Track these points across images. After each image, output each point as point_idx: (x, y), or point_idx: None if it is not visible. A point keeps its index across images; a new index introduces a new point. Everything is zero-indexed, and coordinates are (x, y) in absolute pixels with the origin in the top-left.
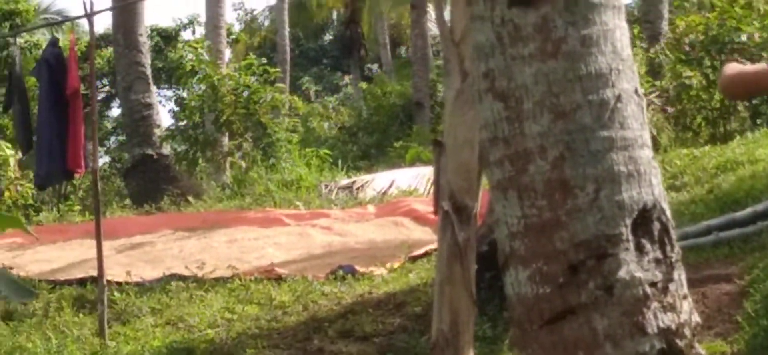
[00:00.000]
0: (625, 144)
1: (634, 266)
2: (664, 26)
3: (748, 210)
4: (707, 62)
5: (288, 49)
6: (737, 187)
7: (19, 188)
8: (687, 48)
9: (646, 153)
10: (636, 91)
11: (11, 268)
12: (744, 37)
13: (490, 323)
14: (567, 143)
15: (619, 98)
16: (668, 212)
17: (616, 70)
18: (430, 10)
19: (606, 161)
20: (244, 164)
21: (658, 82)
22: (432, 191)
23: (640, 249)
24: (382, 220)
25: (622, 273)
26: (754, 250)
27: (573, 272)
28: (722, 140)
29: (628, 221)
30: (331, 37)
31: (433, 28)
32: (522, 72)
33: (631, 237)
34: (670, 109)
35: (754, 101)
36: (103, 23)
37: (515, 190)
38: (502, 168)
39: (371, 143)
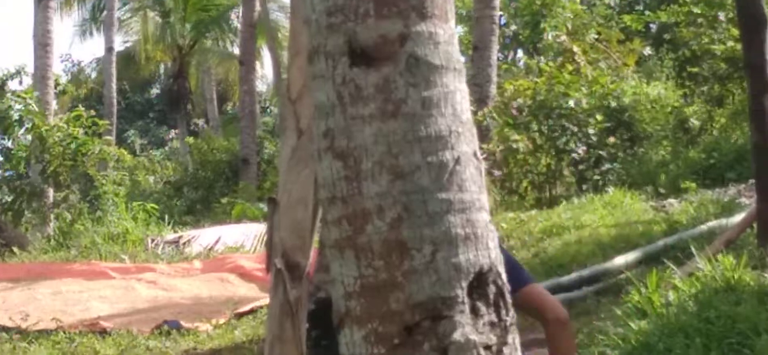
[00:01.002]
0: (462, 207)
1: (469, 329)
2: (493, 89)
3: (574, 275)
4: (535, 127)
5: (115, 101)
6: (563, 251)
7: None
8: (514, 112)
9: (484, 216)
10: (475, 155)
11: None
12: (572, 103)
13: None
14: (405, 204)
15: (458, 161)
16: (504, 276)
17: (456, 133)
18: (259, 67)
19: (443, 223)
20: (69, 216)
21: (485, 146)
22: (259, 247)
23: (475, 312)
24: (208, 275)
25: (457, 335)
26: (579, 315)
27: (408, 333)
28: (548, 205)
29: (464, 284)
30: (157, 91)
31: (260, 84)
32: (362, 132)
33: (466, 299)
34: (496, 173)
35: (580, 167)
36: None
37: (352, 249)
38: (340, 227)
39: (197, 198)
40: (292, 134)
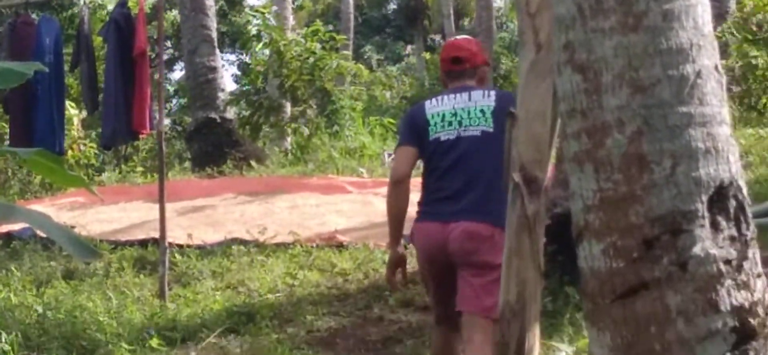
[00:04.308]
0: (703, 120)
1: (708, 243)
2: (732, 5)
3: None
4: None
5: (352, 16)
6: None
7: (82, 147)
8: (754, 27)
9: (725, 130)
10: (716, 68)
11: (73, 227)
12: None
13: (551, 296)
14: (645, 118)
15: (699, 74)
16: (744, 190)
17: (697, 46)
18: None
19: (684, 137)
20: (307, 131)
21: (723, 61)
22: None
23: (715, 226)
24: None
25: (697, 249)
26: None
27: (647, 246)
28: None
29: (705, 198)
30: (394, 7)
31: (497, 0)
32: (602, 45)
33: (706, 214)
34: (735, 88)
35: None
36: None
37: (592, 163)
38: (579, 141)
39: None
40: (530, 48)
